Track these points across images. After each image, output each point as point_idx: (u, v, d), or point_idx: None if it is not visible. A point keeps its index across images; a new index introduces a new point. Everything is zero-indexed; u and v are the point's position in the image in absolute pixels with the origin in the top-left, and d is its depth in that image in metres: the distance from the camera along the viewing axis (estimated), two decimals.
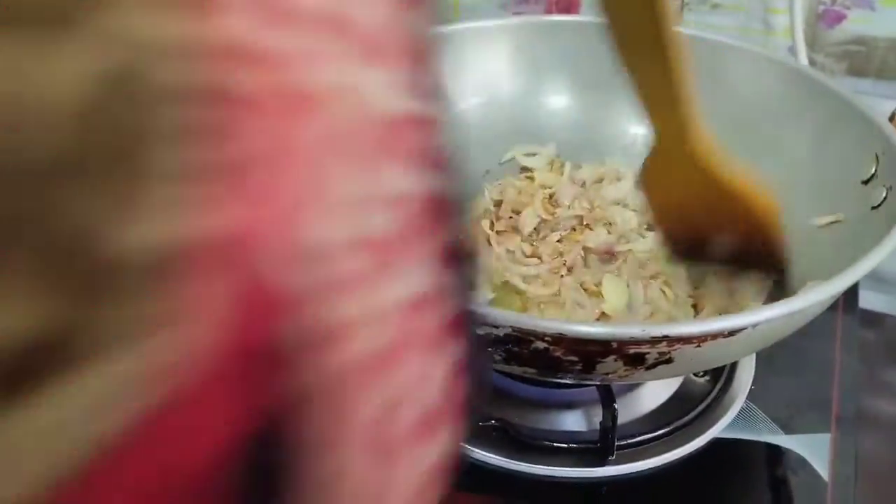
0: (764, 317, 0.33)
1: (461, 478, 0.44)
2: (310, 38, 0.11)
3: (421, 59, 0.13)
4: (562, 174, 0.58)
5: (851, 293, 0.58)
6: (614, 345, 0.33)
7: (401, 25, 0.13)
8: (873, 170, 0.45)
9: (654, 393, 0.49)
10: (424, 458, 0.14)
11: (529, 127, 0.60)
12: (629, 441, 0.45)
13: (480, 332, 0.33)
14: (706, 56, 0.56)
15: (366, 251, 0.12)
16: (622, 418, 0.46)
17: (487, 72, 0.59)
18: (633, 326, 0.32)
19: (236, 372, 0.10)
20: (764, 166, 0.53)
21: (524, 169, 0.59)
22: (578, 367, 0.35)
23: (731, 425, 0.47)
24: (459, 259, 0.14)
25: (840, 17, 0.61)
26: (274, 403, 0.11)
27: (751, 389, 0.49)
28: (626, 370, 0.35)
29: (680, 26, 0.65)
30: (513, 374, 0.46)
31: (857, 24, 0.61)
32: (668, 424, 0.46)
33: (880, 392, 0.61)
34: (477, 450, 0.45)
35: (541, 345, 0.33)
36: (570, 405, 0.48)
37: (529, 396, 0.48)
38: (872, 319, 0.66)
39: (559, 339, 0.33)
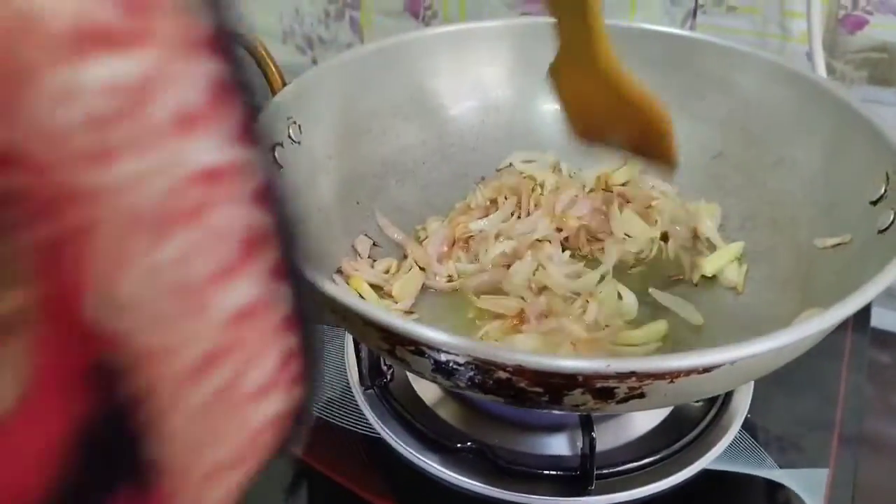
0: (744, 353, 0.30)
1: (428, 499, 0.40)
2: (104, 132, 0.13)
3: (227, 106, 0.13)
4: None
5: (863, 311, 0.55)
6: (580, 378, 0.31)
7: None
8: (883, 190, 0.42)
9: (645, 417, 0.46)
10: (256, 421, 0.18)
11: (528, 133, 0.57)
12: (612, 470, 0.43)
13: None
14: (717, 61, 0.54)
15: (178, 292, 0.15)
16: (609, 444, 0.45)
17: (485, 74, 0.57)
18: (598, 361, 0.29)
19: (63, 390, 0.14)
20: (771, 180, 0.51)
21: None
22: (545, 399, 0.33)
23: (723, 456, 0.44)
24: (288, 274, 0.17)
25: (862, 23, 0.57)
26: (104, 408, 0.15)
27: (747, 417, 0.46)
28: (596, 403, 0.32)
29: (694, 29, 0.63)
30: None
31: (879, 30, 0.57)
32: (655, 452, 0.44)
33: (893, 418, 0.58)
34: (452, 473, 0.43)
35: (503, 375, 0.31)
36: (554, 427, 0.46)
37: (511, 417, 0.46)
38: (886, 340, 0.63)
39: (522, 371, 0.31)
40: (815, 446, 0.45)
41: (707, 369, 0.31)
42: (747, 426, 0.46)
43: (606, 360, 0.29)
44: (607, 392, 0.32)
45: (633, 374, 0.30)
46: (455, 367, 0.32)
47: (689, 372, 0.31)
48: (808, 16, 0.56)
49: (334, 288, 0.33)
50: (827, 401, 0.48)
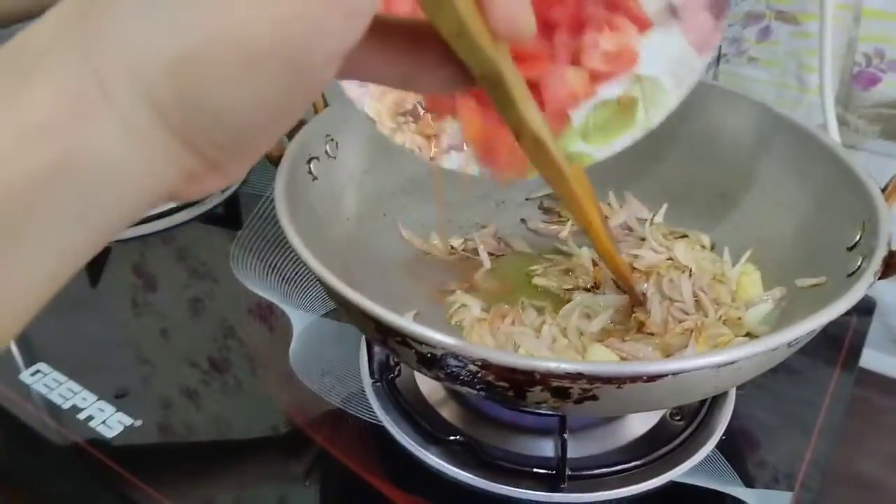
0: (682, 366, 0.34)
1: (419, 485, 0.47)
2: None
3: None
4: None
5: (853, 353, 0.58)
6: (537, 376, 0.35)
7: None
8: (858, 236, 0.45)
9: (625, 430, 0.50)
10: None
11: None
12: (585, 472, 0.47)
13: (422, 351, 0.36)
14: (729, 109, 0.58)
15: None
16: (589, 451, 0.49)
17: None
18: (551, 360, 0.34)
19: None
20: (767, 222, 0.54)
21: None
22: (511, 394, 0.37)
23: (694, 471, 0.48)
24: None
25: (875, 80, 0.60)
26: None
27: (722, 438, 0.50)
28: (555, 402, 0.37)
29: (717, 77, 0.67)
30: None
31: (892, 87, 0.60)
32: (628, 461, 0.48)
33: (888, 463, 0.60)
34: (443, 463, 0.48)
35: (473, 368, 0.36)
36: (538, 431, 0.50)
37: (501, 418, 0.50)
38: (889, 387, 0.65)
39: (487, 365, 0.35)
40: (783, 473, 0.48)
41: (651, 378, 0.35)
42: (721, 447, 0.49)
43: (558, 361, 0.34)
44: (563, 392, 0.36)
45: (580, 375, 0.34)
46: (434, 358, 0.37)
47: (634, 379, 0.35)
48: (820, 71, 0.60)
49: (339, 283, 0.39)
50: (802, 433, 0.51)
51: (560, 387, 0.36)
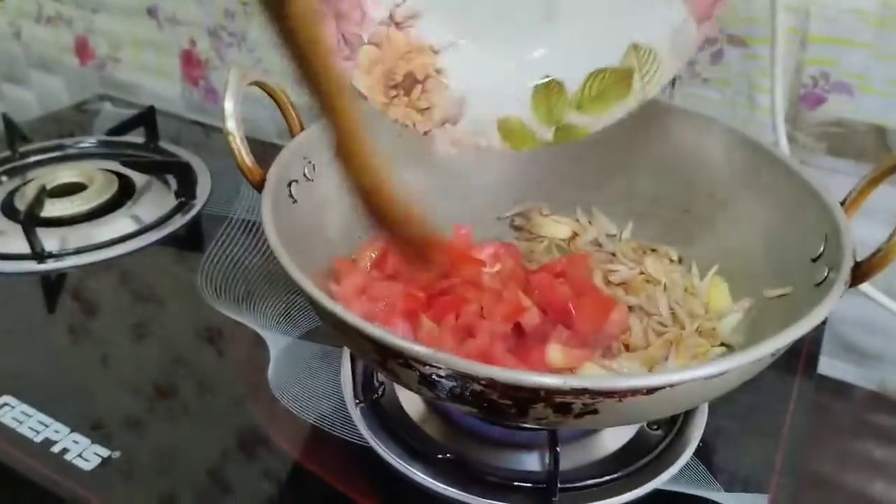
0: (680, 378, 0.36)
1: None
2: None
3: None
4: None
5: (811, 361, 0.61)
6: (542, 393, 0.36)
7: None
8: (822, 248, 0.48)
9: (607, 442, 0.52)
10: None
11: (532, 183, 0.64)
12: (575, 485, 0.48)
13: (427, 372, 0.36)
14: (687, 127, 0.60)
15: None
16: (575, 463, 0.50)
17: None
18: (556, 378, 0.35)
19: None
20: (733, 236, 0.57)
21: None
22: (513, 411, 0.38)
23: (676, 478, 0.49)
24: None
25: (821, 100, 0.64)
26: None
27: (699, 446, 0.51)
28: (556, 417, 0.38)
29: (673, 98, 0.70)
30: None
31: (837, 107, 0.64)
32: (614, 472, 0.49)
33: (845, 463, 0.63)
34: (432, 480, 0.48)
35: (477, 387, 0.37)
36: (525, 446, 0.51)
37: (487, 434, 0.51)
38: (842, 390, 0.68)
39: (493, 384, 0.36)
40: (758, 476, 0.50)
41: (651, 390, 0.36)
42: (699, 454, 0.51)
43: (564, 378, 0.35)
44: (565, 407, 0.37)
45: (584, 390, 0.35)
46: (437, 379, 0.38)
47: (635, 392, 0.36)
48: (771, 92, 0.63)
49: (339, 308, 0.39)
50: (772, 439, 0.53)
51: (563, 402, 0.37)
